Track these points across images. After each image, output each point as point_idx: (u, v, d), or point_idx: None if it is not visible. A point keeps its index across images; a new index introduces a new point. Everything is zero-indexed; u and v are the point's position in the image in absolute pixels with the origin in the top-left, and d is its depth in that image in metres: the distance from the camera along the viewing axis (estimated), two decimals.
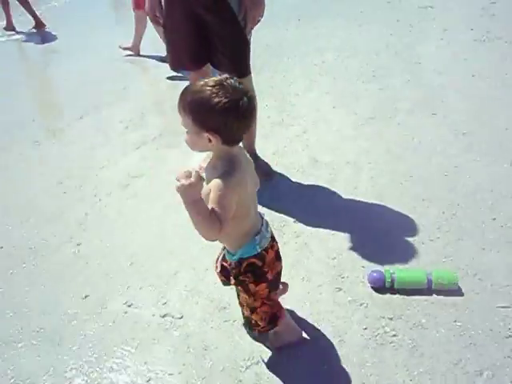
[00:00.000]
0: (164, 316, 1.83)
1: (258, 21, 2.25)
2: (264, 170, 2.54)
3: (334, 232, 2.19)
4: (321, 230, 2.21)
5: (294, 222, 2.28)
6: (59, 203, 2.54)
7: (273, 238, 1.45)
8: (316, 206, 2.38)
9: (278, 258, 1.46)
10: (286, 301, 1.72)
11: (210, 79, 1.21)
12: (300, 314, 1.80)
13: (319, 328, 1.73)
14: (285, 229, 2.24)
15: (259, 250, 1.37)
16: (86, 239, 2.26)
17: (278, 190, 2.53)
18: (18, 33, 5.64)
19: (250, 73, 2.37)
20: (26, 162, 2.97)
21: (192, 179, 1.10)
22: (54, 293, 1.98)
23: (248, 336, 1.71)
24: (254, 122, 1.36)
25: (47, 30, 5.59)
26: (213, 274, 1.71)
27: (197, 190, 1.12)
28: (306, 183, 2.57)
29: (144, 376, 1.62)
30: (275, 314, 1.52)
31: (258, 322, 1.51)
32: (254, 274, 1.39)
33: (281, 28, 4.86)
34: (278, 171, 2.66)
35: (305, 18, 5.23)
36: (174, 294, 1.92)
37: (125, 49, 4.63)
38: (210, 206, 1.16)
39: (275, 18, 4.62)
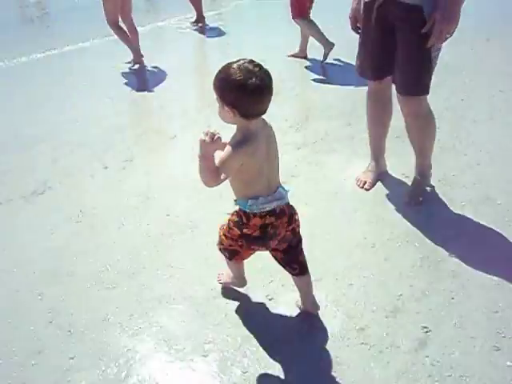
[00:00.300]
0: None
1: (446, 38, 2.08)
2: (412, 194, 2.49)
3: (500, 282, 1.95)
4: (484, 275, 1.99)
5: (453, 259, 2.09)
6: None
7: (272, 214, 1.56)
8: (482, 248, 2.15)
9: (262, 228, 1.57)
10: (432, 340, 1.60)
11: (235, 63, 1.41)
12: (447, 361, 1.64)
13: None
14: (441, 265, 2.07)
15: (247, 210, 1.55)
16: None
17: (437, 220, 2.36)
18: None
19: (427, 92, 2.24)
20: None
21: (207, 138, 1.39)
22: (204, 270, 2.13)
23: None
24: (267, 100, 1.45)
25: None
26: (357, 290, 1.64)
27: (209, 147, 1.41)
28: (472, 220, 2.33)
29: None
30: (234, 252, 1.75)
31: (221, 241, 1.76)
32: (238, 222, 1.61)
33: (465, 46, 4.48)
34: (443, 199, 2.48)
35: (495, 38, 4.74)
36: None
37: (292, 56, 4.76)
38: (216, 162, 1.44)
39: (460, 35, 4.27)
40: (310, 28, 4.47)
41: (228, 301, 1.94)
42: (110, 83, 4.39)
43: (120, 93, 4.17)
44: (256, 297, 1.96)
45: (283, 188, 1.61)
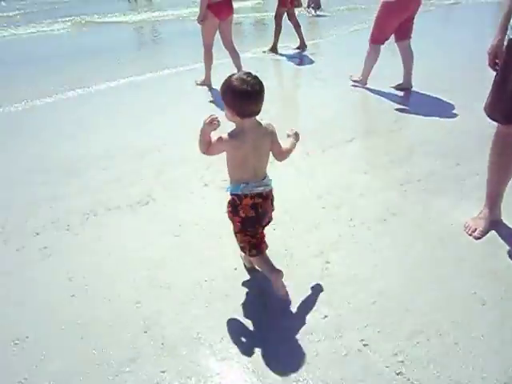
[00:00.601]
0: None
1: None
2: None
3: None
4: None
5: None
6: (316, 215, 2.68)
7: (260, 196, 1.95)
8: None
9: (252, 207, 1.94)
10: None
11: (235, 74, 1.85)
12: None
13: None
14: None
15: (239, 193, 1.93)
16: (334, 259, 2.31)
17: None
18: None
19: None
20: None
21: (208, 120, 1.83)
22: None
23: None
24: (256, 103, 1.83)
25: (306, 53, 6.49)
26: None
27: (207, 127, 1.84)
28: None
29: None
30: (255, 245, 2.02)
31: (241, 246, 2.07)
32: (232, 207, 1.99)
33: None
34: None
35: None
36: None
37: (354, 81, 5.04)
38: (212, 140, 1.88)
39: None
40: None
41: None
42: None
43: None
44: None
45: (268, 178, 2.03)
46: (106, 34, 10.27)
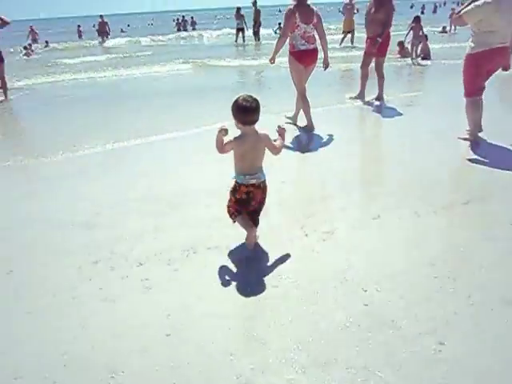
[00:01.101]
0: None
1: None
2: None
3: None
4: None
5: None
6: (428, 285, 2.42)
7: (253, 186, 2.68)
8: None
9: (246, 193, 2.68)
10: None
11: (241, 96, 2.61)
12: None
13: None
14: None
15: (239, 182, 2.68)
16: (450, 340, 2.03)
17: None
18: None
19: None
20: None
21: (218, 129, 2.60)
22: None
23: None
24: (251, 116, 2.59)
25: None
26: None
27: (219, 132, 2.60)
28: None
29: None
30: (235, 215, 2.80)
31: (229, 213, 2.83)
32: (233, 189, 2.74)
33: None
34: None
35: None
36: None
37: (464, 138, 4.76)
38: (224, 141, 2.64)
39: None
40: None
41: None
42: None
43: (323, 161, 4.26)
44: None
45: (263, 172, 2.74)
46: (219, 74, 11.02)
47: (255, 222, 2.79)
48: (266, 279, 2.51)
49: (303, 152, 4.73)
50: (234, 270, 2.63)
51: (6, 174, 4.53)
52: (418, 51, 11.45)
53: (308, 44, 5.07)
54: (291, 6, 5.00)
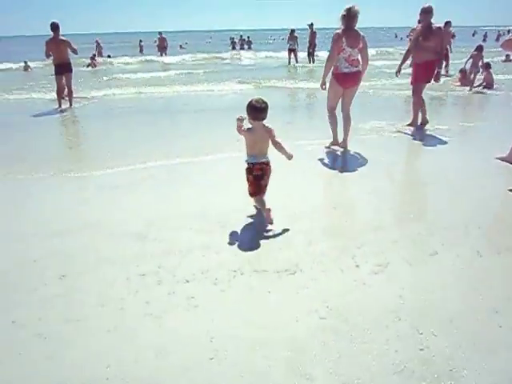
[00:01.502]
0: None
1: None
2: None
3: None
4: None
5: None
6: (493, 335, 2.23)
7: (264, 164, 3.42)
8: None
9: (260, 169, 3.42)
10: None
11: (253, 98, 3.40)
12: None
13: None
14: None
15: (253, 162, 3.41)
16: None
17: None
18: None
19: None
20: None
21: (238, 117, 3.40)
22: None
23: None
24: (260, 113, 3.35)
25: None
26: None
27: (238, 121, 3.40)
28: None
29: None
30: (255, 193, 3.48)
31: (250, 192, 3.49)
32: (247, 170, 3.46)
33: None
34: None
35: None
36: None
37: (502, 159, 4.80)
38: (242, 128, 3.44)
39: None
40: None
41: None
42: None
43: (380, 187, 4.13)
44: None
45: (267, 155, 3.44)
46: (272, 95, 11.11)
47: (263, 191, 3.51)
48: (315, 309, 2.41)
49: (354, 178, 4.61)
50: (282, 296, 2.56)
51: (62, 181, 4.72)
52: (480, 81, 11.03)
53: (351, 67, 5.23)
54: (339, 31, 5.18)
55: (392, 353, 2.09)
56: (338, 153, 5.50)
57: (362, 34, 5.21)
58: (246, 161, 3.45)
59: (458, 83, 11.41)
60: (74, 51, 9.15)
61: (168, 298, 2.55)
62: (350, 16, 5.09)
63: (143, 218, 3.62)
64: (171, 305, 2.49)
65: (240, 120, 3.38)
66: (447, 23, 12.82)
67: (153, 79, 14.17)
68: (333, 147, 5.68)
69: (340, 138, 5.66)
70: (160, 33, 23.96)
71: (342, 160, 5.24)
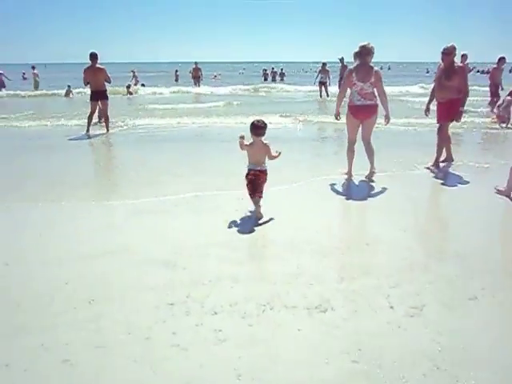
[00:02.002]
0: None
1: None
2: None
3: None
4: None
5: None
6: None
7: (258, 171, 4.19)
8: None
9: (253, 175, 4.20)
10: None
11: (256, 119, 4.38)
12: None
13: None
14: None
15: (250, 169, 4.25)
16: None
17: None
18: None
19: None
20: None
21: (239, 135, 4.29)
22: None
23: None
24: (259, 130, 4.18)
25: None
26: None
27: (240, 139, 4.27)
28: None
29: None
30: (252, 194, 4.21)
31: (249, 192, 4.25)
32: (246, 174, 4.27)
33: None
34: None
35: None
36: None
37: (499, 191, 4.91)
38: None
39: None
40: None
41: None
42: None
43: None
44: None
45: (264, 165, 4.21)
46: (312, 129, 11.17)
47: (260, 195, 4.22)
48: (347, 351, 2.31)
49: (386, 214, 4.51)
50: (312, 334, 2.47)
51: (93, 206, 4.82)
52: None
53: (364, 100, 5.47)
54: (352, 66, 5.59)
55: None
56: (367, 187, 5.40)
57: (375, 68, 5.47)
58: (247, 167, 4.27)
59: (495, 119, 11.14)
60: (108, 80, 9.58)
61: (195, 329, 2.50)
62: (362, 53, 5.45)
63: (172, 245, 3.63)
64: (198, 337, 2.44)
65: (242, 138, 4.22)
66: (500, 60, 12.80)
67: (188, 110, 14.31)
68: (353, 179, 5.76)
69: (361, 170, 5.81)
70: (196, 63, 24.61)
71: (372, 194, 5.14)
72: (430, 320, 2.61)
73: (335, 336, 2.45)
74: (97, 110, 9.90)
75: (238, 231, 3.91)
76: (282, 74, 34.27)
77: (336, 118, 5.86)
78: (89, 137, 9.20)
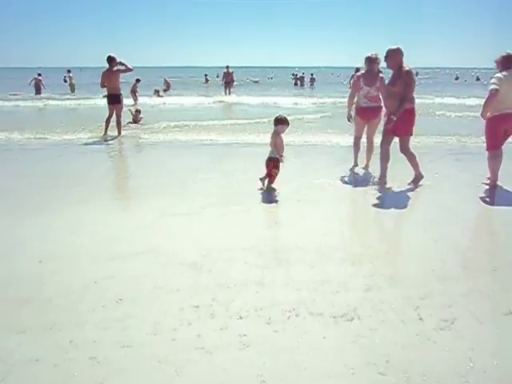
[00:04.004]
0: None
1: None
2: None
3: None
4: None
5: None
6: None
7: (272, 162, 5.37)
8: None
9: (275, 162, 5.36)
10: None
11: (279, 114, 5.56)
12: None
13: None
14: None
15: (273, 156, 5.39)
16: None
17: None
18: None
19: None
20: None
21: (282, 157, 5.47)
22: None
23: None
24: (282, 124, 5.33)
25: None
26: None
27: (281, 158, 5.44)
28: None
29: None
30: (270, 178, 5.39)
31: (269, 174, 5.41)
32: (267, 160, 5.41)
33: None
34: None
35: None
36: None
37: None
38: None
39: None
40: None
41: None
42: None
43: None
44: None
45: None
46: None
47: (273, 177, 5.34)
48: (374, 362, 2.25)
49: (418, 222, 4.40)
50: (338, 344, 2.42)
51: (123, 207, 4.92)
52: None
53: (369, 102, 6.17)
54: (359, 73, 6.31)
55: None
56: (399, 195, 5.29)
57: (381, 75, 6.05)
58: (271, 155, 5.33)
59: None
60: (127, 69, 9.47)
61: (220, 333, 2.50)
62: (369, 61, 6.12)
63: (200, 247, 3.65)
64: (223, 341, 2.44)
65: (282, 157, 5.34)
66: None
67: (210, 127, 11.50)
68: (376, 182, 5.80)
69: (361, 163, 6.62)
70: (227, 67, 24.17)
71: (403, 203, 5.02)
72: (461, 334, 2.51)
73: (362, 346, 2.39)
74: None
75: (267, 236, 3.90)
76: (312, 80, 34.01)
77: (348, 121, 6.53)
78: (106, 140, 9.38)
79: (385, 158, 5.62)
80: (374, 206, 4.87)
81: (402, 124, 5.31)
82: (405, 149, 5.53)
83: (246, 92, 24.95)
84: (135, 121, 11.80)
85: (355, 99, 6.38)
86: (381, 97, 5.98)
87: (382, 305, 2.80)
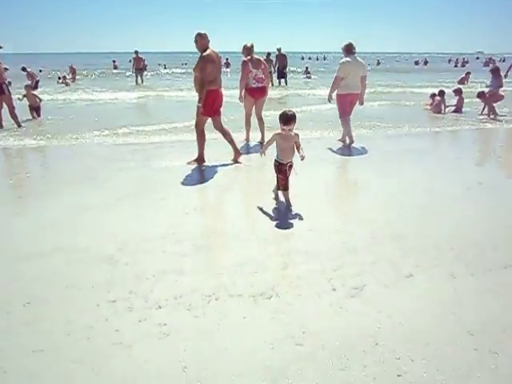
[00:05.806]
0: None
1: None
2: None
3: None
4: None
5: None
6: (467, 358, 2.21)
7: (283, 164, 4.17)
8: None
9: (281, 165, 4.19)
10: None
11: (287, 108, 4.25)
12: None
13: None
14: None
15: (278, 160, 4.19)
16: None
17: None
18: None
19: None
20: None
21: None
22: None
23: None
24: (289, 121, 4.00)
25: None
26: None
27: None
28: None
29: None
30: (281, 186, 4.24)
31: (278, 184, 4.30)
32: (275, 164, 4.23)
33: None
34: None
35: None
36: None
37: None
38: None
39: None
40: None
41: None
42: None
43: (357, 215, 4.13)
44: None
45: (292, 161, 4.20)
46: None
47: (287, 185, 4.27)
48: (291, 335, 2.35)
49: (330, 199, 4.64)
50: (257, 322, 2.49)
51: (29, 203, 4.56)
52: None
53: (258, 83, 6.94)
54: (245, 58, 6.88)
55: (370, 380, 2.05)
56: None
57: (262, 59, 7.06)
58: (276, 158, 4.28)
59: (428, 107, 11.74)
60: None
61: (139, 325, 2.45)
62: (252, 49, 6.96)
63: (115, 240, 3.51)
64: (142, 333, 2.39)
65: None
66: None
67: None
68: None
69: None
70: (136, 52, 21.49)
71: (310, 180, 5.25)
72: (369, 300, 2.71)
73: (280, 321, 2.49)
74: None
75: (184, 224, 3.85)
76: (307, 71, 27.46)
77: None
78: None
79: (202, 137, 5.85)
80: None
81: (207, 106, 5.51)
82: (219, 125, 5.90)
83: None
84: (32, 107, 10.44)
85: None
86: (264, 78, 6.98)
87: (299, 280, 2.92)
